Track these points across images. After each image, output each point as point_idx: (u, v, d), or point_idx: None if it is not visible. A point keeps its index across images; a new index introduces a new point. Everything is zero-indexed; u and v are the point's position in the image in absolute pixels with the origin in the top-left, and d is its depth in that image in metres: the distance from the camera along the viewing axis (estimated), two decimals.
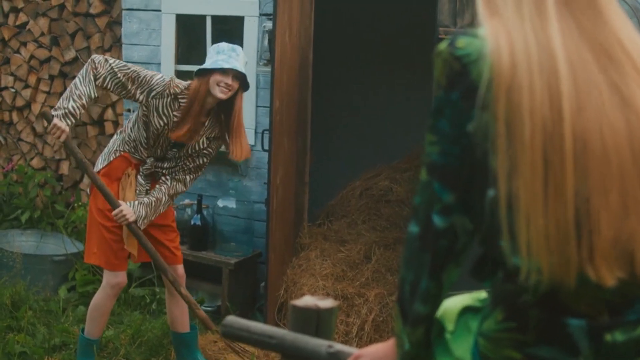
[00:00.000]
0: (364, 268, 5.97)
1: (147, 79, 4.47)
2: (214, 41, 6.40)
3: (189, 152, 4.71)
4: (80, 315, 5.85)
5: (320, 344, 1.98)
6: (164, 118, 4.53)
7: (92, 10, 6.92)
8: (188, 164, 4.75)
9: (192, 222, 6.20)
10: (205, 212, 6.28)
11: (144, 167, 4.71)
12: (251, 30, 6.22)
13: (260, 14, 6.22)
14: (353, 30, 7.79)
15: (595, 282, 1.54)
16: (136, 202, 4.58)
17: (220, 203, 6.37)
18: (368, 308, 5.53)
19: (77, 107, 4.37)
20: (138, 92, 4.46)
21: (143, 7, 6.64)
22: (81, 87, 4.38)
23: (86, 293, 6.21)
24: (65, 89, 7.05)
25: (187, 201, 6.35)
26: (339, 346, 1.96)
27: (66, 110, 4.34)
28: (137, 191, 4.70)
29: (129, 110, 6.63)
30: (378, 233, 6.42)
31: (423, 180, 1.72)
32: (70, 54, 7.07)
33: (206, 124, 4.64)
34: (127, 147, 4.66)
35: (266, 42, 6.09)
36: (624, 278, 1.55)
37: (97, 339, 4.84)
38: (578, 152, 1.49)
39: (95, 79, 4.40)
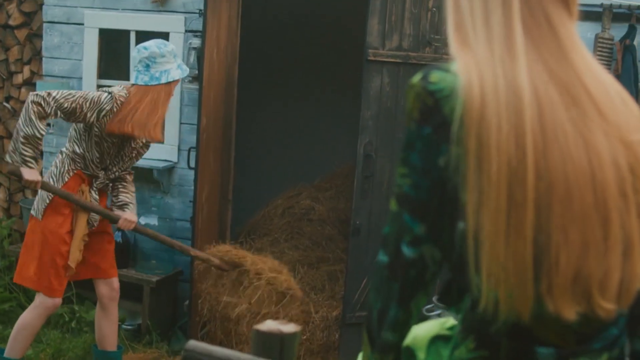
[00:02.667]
0: None
1: (95, 100, 4.46)
2: None
3: (132, 147, 4.78)
4: None
5: None
6: None
7: (11, 22, 6.76)
8: (128, 161, 4.85)
9: None
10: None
11: (97, 182, 4.74)
12: (176, 47, 6.14)
13: (186, 31, 6.19)
14: (278, 49, 7.81)
15: (555, 316, 1.58)
16: (131, 205, 4.86)
17: (142, 220, 6.30)
18: None
19: (35, 152, 4.44)
20: (88, 114, 4.46)
21: (65, 20, 6.53)
22: (26, 128, 4.34)
23: (2, 311, 6.06)
24: None
25: None
26: None
27: (24, 157, 4.38)
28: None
29: None
30: (301, 252, 6.43)
31: (393, 211, 1.73)
32: None
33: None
34: (79, 165, 4.66)
35: (192, 58, 6.05)
36: (584, 313, 1.60)
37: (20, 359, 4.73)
38: (542, 189, 1.52)
39: (41, 118, 4.35)
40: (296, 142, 7.91)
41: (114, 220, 4.76)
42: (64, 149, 4.71)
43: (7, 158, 4.44)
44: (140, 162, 5.20)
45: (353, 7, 6.49)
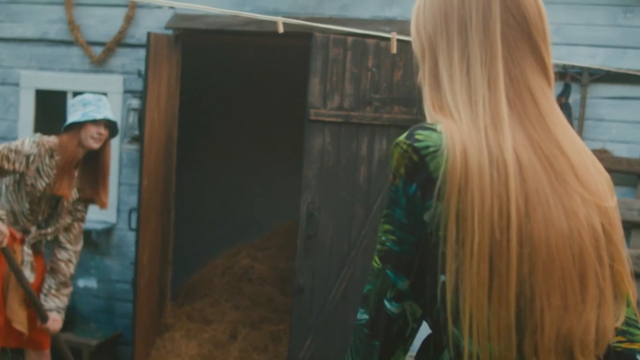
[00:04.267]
0: (231, 347, 5.91)
1: (19, 148, 4.37)
2: None
3: (65, 206, 4.63)
4: None
5: None
6: (45, 178, 4.47)
7: None
8: (62, 221, 4.68)
9: None
10: None
11: (30, 237, 4.59)
12: (115, 107, 6.11)
13: (125, 91, 6.16)
14: (218, 107, 7.82)
15: None
16: (61, 305, 4.66)
17: (81, 283, 6.19)
18: None
19: None
20: (17, 164, 4.37)
21: (0, 81, 6.45)
22: None
23: None
24: None
25: None
26: None
27: None
28: (23, 263, 4.56)
29: None
30: (242, 312, 6.38)
31: (376, 268, 1.74)
32: None
33: (76, 174, 4.63)
34: (9, 221, 4.51)
35: (131, 119, 6.02)
36: None
37: None
38: (525, 256, 1.56)
39: None
40: (235, 201, 7.89)
41: (43, 318, 4.58)
42: None
43: None
44: None
45: (295, 66, 6.55)
